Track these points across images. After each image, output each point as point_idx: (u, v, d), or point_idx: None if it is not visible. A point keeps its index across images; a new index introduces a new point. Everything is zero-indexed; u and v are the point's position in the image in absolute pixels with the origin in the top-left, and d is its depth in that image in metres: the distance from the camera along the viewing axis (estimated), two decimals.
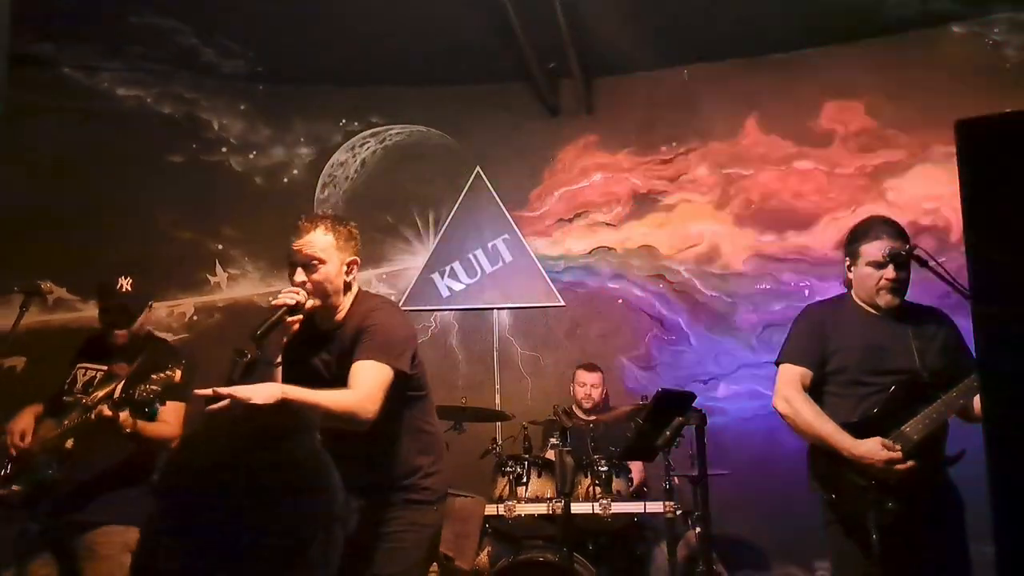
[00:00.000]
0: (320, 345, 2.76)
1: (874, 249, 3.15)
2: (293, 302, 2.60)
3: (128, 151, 6.08)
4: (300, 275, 2.65)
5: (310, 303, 2.64)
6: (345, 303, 2.76)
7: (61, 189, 5.79)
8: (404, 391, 2.67)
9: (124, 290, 3.54)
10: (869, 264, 3.16)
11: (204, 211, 6.24)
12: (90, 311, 5.89)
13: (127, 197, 6.00)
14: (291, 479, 1.11)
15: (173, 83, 6.26)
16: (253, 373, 2.61)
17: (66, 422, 3.25)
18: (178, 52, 5.93)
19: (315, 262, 2.65)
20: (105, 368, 3.49)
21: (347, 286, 2.75)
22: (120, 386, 3.25)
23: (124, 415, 3.19)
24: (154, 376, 3.14)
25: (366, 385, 2.51)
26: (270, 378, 2.58)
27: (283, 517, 1.07)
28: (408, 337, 2.72)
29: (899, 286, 3.15)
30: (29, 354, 5.35)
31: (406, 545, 2.70)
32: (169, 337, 5.94)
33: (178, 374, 3.14)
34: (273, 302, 2.63)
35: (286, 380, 2.58)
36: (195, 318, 6.09)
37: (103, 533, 3.32)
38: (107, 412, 3.15)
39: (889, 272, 3.12)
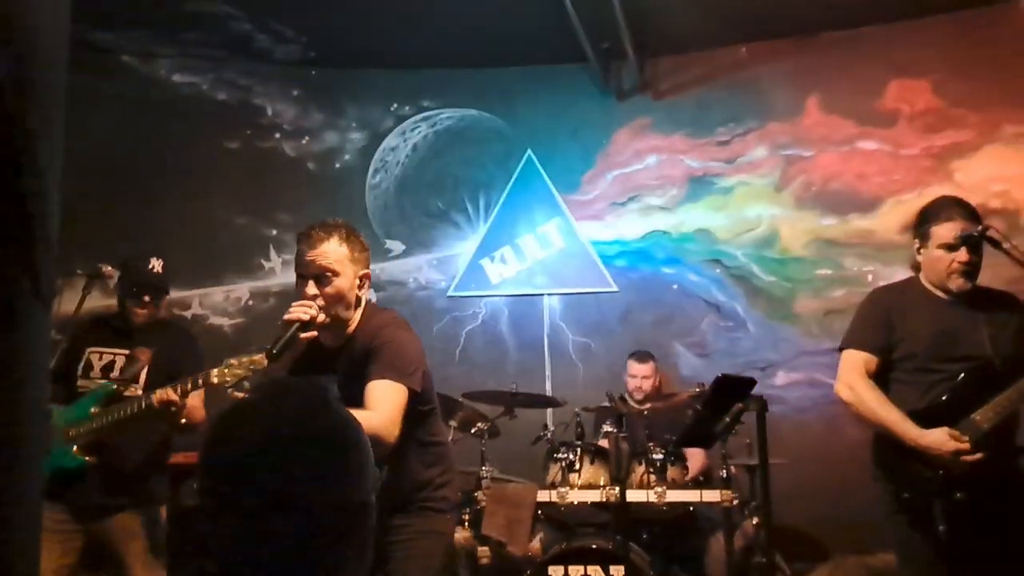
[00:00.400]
0: (328, 362, 2.63)
1: (946, 230, 3.02)
2: (307, 317, 2.45)
3: (184, 137, 6.17)
4: (312, 288, 2.50)
5: (322, 318, 2.49)
6: (355, 318, 2.63)
7: (118, 175, 5.88)
8: (414, 408, 2.55)
9: (155, 271, 3.57)
10: (940, 246, 3.03)
11: (258, 197, 6.30)
12: None
13: (184, 183, 6.09)
14: (338, 450, 1.11)
15: (227, 69, 6.32)
16: None
17: (121, 412, 3.23)
18: (232, 38, 5.98)
19: (329, 274, 2.51)
20: (126, 352, 3.48)
21: (358, 300, 2.62)
22: (145, 370, 3.29)
23: (192, 399, 3.20)
24: (236, 361, 3.12)
25: (387, 407, 2.40)
26: None
27: (334, 487, 1.07)
28: (419, 354, 2.60)
29: (971, 269, 3.02)
30: None
31: (421, 552, 2.60)
32: (224, 322, 6.04)
33: (262, 359, 3.14)
34: (285, 317, 2.48)
35: None
36: (250, 303, 6.15)
37: (130, 516, 3.41)
38: (172, 395, 3.09)
39: (962, 255, 2.99)
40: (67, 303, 3.64)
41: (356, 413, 2.43)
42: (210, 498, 1.06)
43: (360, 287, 2.60)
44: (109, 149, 5.86)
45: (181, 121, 6.18)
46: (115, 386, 3.36)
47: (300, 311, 2.45)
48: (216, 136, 6.28)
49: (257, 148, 6.35)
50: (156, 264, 3.57)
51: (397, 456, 2.53)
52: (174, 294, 6.06)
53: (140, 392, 3.36)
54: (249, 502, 1.02)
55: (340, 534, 1.06)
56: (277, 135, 6.39)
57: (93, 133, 5.76)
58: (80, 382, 3.46)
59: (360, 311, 2.64)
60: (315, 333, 2.51)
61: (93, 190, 5.67)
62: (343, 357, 2.61)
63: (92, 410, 3.29)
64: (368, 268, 2.64)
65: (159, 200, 6.00)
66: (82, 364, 3.50)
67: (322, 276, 2.50)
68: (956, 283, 3.03)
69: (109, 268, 3.69)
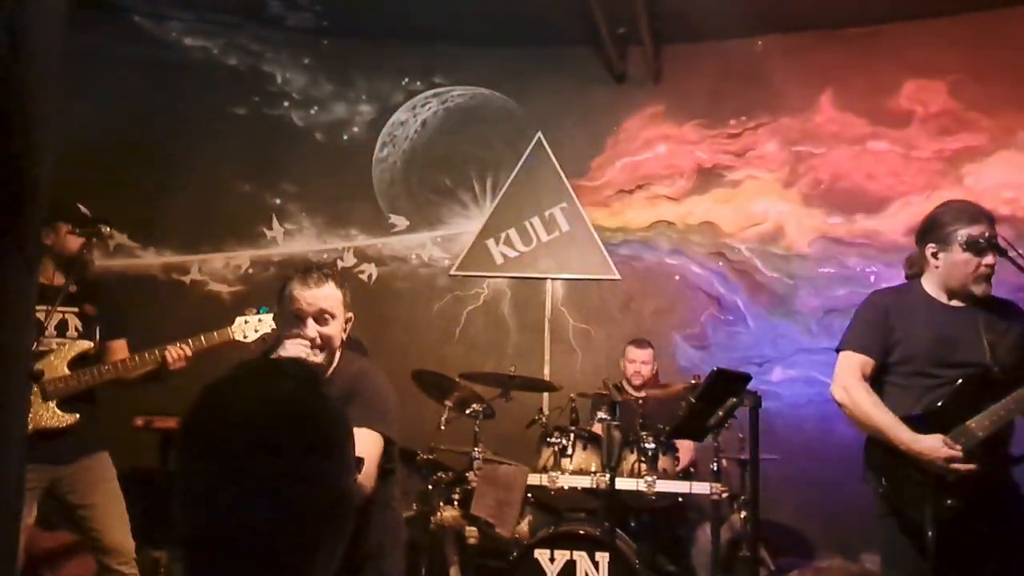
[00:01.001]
0: None
1: (975, 233, 2.98)
2: (304, 355, 2.47)
3: (192, 101, 6.15)
4: (312, 328, 2.53)
5: (318, 359, 2.52)
6: (335, 360, 2.66)
7: (125, 136, 5.86)
8: (381, 464, 2.54)
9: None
10: (968, 250, 3.00)
11: (264, 165, 6.28)
12: (150, 258, 6.01)
13: (190, 147, 6.08)
14: (324, 433, 1.09)
15: (239, 34, 6.28)
16: None
17: (140, 368, 3.41)
18: (245, 3, 5.95)
19: (327, 316, 2.54)
20: (76, 310, 3.54)
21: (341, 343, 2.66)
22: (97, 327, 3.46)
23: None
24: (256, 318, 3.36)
25: (367, 455, 2.36)
26: None
27: (317, 471, 1.06)
28: (396, 405, 2.62)
29: (992, 274, 3.00)
30: None
31: None
32: (223, 288, 6.04)
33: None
34: (283, 355, 2.48)
35: None
36: (250, 271, 6.15)
37: (99, 458, 3.50)
38: (186, 349, 3.38)
39: (989, 259, 2.96)
40: None
41: None
42: (187, 467, 1.05)
43: (345, 331, 2.64)
44: (116, 109, 5.84)
45: (190, 84, 6.15)
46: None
47: (301, 349, 2.48)
48: (224, 101, 6.25)
49: (265, 115, 6.31)
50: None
51: (363, 516, 2.50)
52: (174, 257, 6.11)
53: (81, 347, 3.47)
54: (229, 476, 1.01)
55: (319, 518, 1.05)
56: (285, 103, 6.36)
57: (101, 92, 5.74)
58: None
59: (338, 355, 2.65)
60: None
61: (98, 149, 5.66)
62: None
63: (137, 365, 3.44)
64: (351, 313, 2.67)
65: (163, 162, 5.99)
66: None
67: (321, 317, 2.53)
68: (980, 288, 3.01)
69: (107, 228, 3.68)
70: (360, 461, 1.17)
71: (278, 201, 6.25)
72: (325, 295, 2.54)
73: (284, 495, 1.01)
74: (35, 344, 3.42)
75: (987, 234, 2.96)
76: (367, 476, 2.38)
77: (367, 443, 2.42)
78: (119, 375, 3.43)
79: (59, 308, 3.44)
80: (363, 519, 2.56)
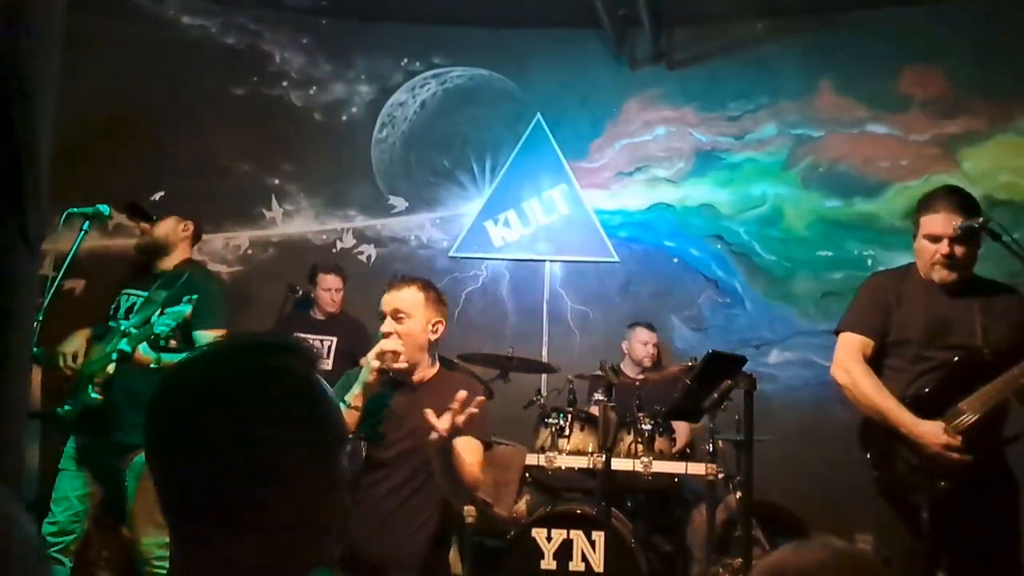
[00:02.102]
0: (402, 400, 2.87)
1: (931, 222, 3.00)
2: (389, 347, 2.76)
3: (190, 81, 6.12)
4: (388, 324, 2.81)
5: (403, 360, 2.78)
6: (424, 365, 2.89)
7: (123, 116, 5.84)
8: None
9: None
10: (926, 237, 3.03)
11: (263, 145, 6.27)
12: None
13: (188, 127, 6.05)
14: (282, 407, 1.07)
15: (237, 13, 6.24)
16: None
17: (108, 349, 3.31)
18: None
19: (402, 315, 2.82)
20: (145, 295, 3.54)
21: (430, 346, 2.90)
22: (156, 313, 3.32)
23: (140, 354, 3.27)
24: (168, 310, 3.23)
25: (479, 467, 2.70)
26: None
27: (271, 440, 1.03)
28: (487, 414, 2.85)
29: (954, 262, 3.00)
30: (89, 278, 5.46)
31: None
32: (223, 269, 6.04)
33: (188, 312, 3.21)
34: (377, 351, 2.74)
35: (361, 427, 2.74)
36: (249, 252, 6.15)
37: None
38: (123, 348, 3.23)
39: (943, 247, 2.98)
40: (68, 243, 3.65)
41: (469, 460, 2.60)
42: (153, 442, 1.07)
43: (434, 333, 2.89)
44: (114, 88, 5.82)
45: (188, 64, 6.12)
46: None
47: (384, 342, 2.77)
48: (222, 81, 6.23)
49: (263, 95, 6.30)
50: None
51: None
52: None
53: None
54: (185, 451, 1.03)
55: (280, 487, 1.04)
56: (284, 83, 6.34)
57: (99, 72, 5.72)
58: (111, 323, 3.55)
59: (428, 360, 2.91)
60: (404, 366, 2.80)
61: (97, 129, 5.64)
62: (415, 401, 2.77)
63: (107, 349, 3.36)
64: (440, 317, 2.92)
65: (162, 143, 5.97)
66: (114, 304, 3.62)
67: (396, 315, 2.82)
68: (939, 275, 3.02)
69: (105, 208, 3.70)
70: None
71: (277, 181, 6.25)
72: (403, 297, 2.84)
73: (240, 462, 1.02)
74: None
75: (952, 223, 2.95)
76: (479, 478, 2.71)
77: (471, 450, 2.67)
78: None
79: (136, 292, 3.58)
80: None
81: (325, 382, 1.13)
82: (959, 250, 2.98)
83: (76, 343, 3.47)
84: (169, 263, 3.66)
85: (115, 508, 3.58)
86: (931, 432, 2.88)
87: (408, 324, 2.82)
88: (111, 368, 3.29)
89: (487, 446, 2.83)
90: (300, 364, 1.11)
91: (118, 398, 3.36)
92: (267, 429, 1.03)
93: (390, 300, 2.85)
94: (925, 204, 3.07)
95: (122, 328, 3.31)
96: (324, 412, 1.10)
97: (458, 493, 2.72)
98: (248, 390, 1.05)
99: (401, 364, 2.77)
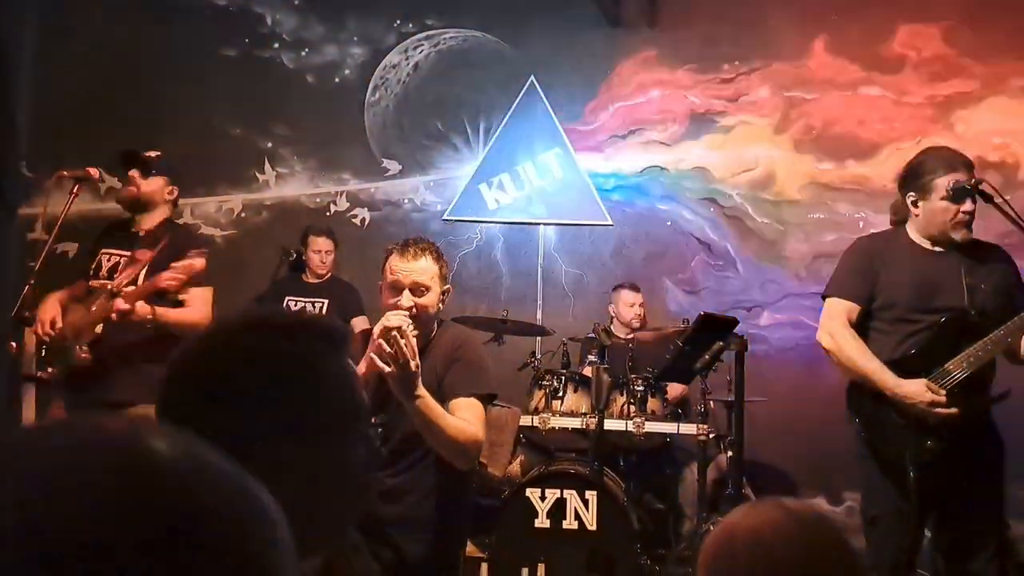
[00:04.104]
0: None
1: (953, 181, 3.02)
2: (403, 324, 2.47)
3: (182, 42, 6.06)
4: (408, 299, 2.63)
5: (413, 331, 2.51)
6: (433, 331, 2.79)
7: (115, 80, 5.80)
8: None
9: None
10: (945, 198, 3.04)
11: (255, 108, 6.23)
12: None
13: (180, 90, 6.01)
14: (311, 385, 1.06)
15: None
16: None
17: (94, 308, 3.32)
18: None
19: (423, 288, 2.66)
20: (128, 254, 3.53)
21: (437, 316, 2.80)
22: (143, 272, 3.32)
23: (140, 306, 3.26)
24: (175, 264, 3.21)
25: (478, 425, 2.59)
26: None
27: (300, 419, 1.03)
28: (490, 365, 2.81)
29: (972, 220, 3.05)
30: (81, 241, 5.46)
31: None
32: (216, 232, 6.04)
33: (200, 262, 3.20)
34: (385, 324, 2.45)
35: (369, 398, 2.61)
36: (243, 215, 6.15)
37: (133, 411, 3.44)
38: (123, 306, 3.21)
39: (967, 206, 3.01)
40: (59, 207, 3.65)
41: (457, 422, 2.50)
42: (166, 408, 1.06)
43: (442, 303, 2.76)
44: (105, 49, 5.77)
45: (179, 25, 6.06)
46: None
47: (400, 319, 2.49)
48: (214, 42, 6.17)
49: (255, 57, 6.24)
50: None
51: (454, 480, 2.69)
52: None
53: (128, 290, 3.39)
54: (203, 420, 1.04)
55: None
56: (276, 45, 6.29)
57: (90, 32, 5.67)
58: (91, 283, 3.54)
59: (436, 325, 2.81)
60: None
61: (88, 91, 5.61)
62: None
63: (92, 309, 3.36)
64: (448, 285, 2.80)
65: (154, 104, 5.93)
66: (94, 264, 3.59)
67: (417, 289, 2.65)
68: (960, 234, 3.05)
69: (96, 170, 3.70)
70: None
71: (270, 144, 6.22)
72: (422, 268, 2.66)
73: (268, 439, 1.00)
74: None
75: (964, 181, 3.00)
76: (481, 443, 2.63)
77: (477, 414, 2.61)
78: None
79: (116, 251, 3.57)
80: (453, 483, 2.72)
81: (343, 361, 1.11)
82: (973, 209, 3.03)
83: (50, 308, 3.45)
84: (149, 222, 3.63)
85: None
86: (915, 391, 2.93)
87: (427, 297, 2.66)
88: (99, 328, 3.32)
89: (490, 398, 2.71)
90: (308, 344, 1.07)
91: (107, 357, 3.38)
92: (248, 421, 1.00)
93: (408, 272, 2.64)
94: (938, 165, 3.07)
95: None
96: (320, 396, 1.07)
97: (454, 455, 2.56)
98: (226, 378, 1.03)
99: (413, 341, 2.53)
